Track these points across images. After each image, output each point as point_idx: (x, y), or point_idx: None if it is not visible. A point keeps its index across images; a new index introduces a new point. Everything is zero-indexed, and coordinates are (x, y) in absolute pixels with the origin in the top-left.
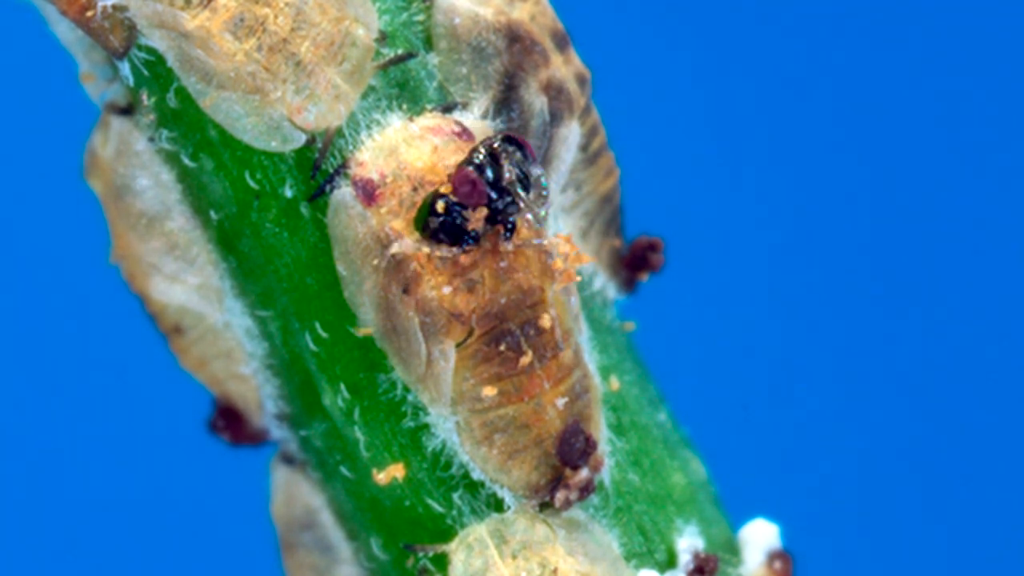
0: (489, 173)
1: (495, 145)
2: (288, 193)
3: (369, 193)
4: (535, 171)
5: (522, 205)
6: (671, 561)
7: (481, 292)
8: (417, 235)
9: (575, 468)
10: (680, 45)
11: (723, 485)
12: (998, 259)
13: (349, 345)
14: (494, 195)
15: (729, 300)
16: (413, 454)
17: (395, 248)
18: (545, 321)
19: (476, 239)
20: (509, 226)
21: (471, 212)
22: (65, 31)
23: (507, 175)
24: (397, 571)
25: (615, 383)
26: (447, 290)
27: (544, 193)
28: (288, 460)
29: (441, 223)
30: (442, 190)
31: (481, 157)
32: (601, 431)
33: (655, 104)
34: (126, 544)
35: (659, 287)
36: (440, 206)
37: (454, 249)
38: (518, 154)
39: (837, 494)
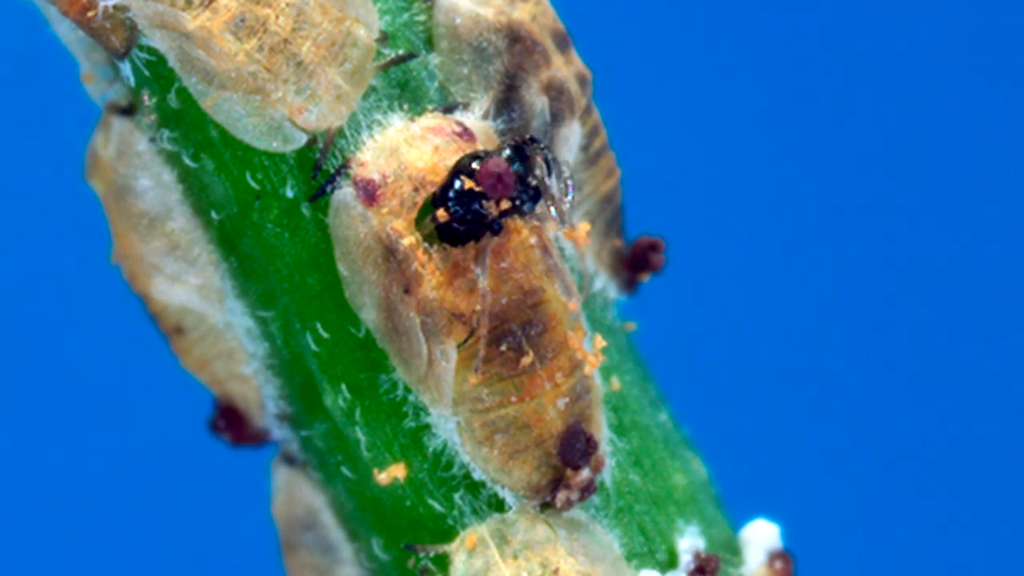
0: (518, 166)
1: (523, 140)
2: (289, 193)
3: (370, 193)
4: (563, 165)
5: (550, 199)
6: (672, 561)
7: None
8: (418, 235)
9: (576, 468)
10: (680, 45)
11: (724, 485)
12: (1000, 260)
13: (350, 345)
14: (520, 188)
15: (730, 300)
16: (414, 454)
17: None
18: (547, 321)
19: (498, 230)
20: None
21: (492, 203)
22: (66, 31)
23: (537, 169)
24: (398, 571)
25: (616, 383)
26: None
27: (570, 183)
28: (289, 460)
29: (455, 215)
30: (467, 184)
31: (508, 152)
32: (602, 431)
33: (655, 104)
34: (127, 544)
35: (660, 287)
36: (456, 193)
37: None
38: (546, 151)
39: (837, 494)
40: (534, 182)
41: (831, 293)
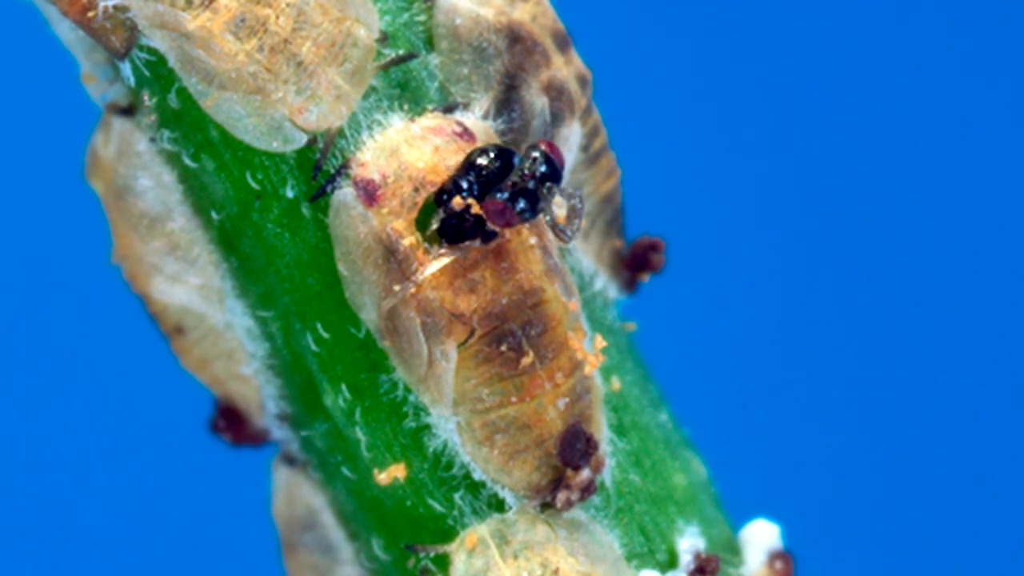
0: (524, 192)
1: (534, 165)
2: (289, 193)
3: (370, 193)
4: (568, 191)
5: (551, 223)
6: (672, 561)
7: (483, 292)
8: (418, 235)
9: (576, 469)
10: (681, 45)
11: (724, 485)
12: (1001, 260)
13: (351, 345)
14: (523, 209)
15: (730, 300)
16: (414, 454)
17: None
18: (547, 321)
19: (494, 234)
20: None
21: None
22: (66, 31)
23: (543, 204)
24: (398, 571)
25: (616, 383)
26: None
27: (578, 208)
28: (289, 460)
29: (448, 224)
30: (475, 205)
31: (516, 179)
32: (602, 432)
33: (656, 104)
34: (127, 544)
35: (660, 287)
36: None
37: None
38: (551, 176)
39: (837, 494)
40: (539, 200)
41: (831, 293)
